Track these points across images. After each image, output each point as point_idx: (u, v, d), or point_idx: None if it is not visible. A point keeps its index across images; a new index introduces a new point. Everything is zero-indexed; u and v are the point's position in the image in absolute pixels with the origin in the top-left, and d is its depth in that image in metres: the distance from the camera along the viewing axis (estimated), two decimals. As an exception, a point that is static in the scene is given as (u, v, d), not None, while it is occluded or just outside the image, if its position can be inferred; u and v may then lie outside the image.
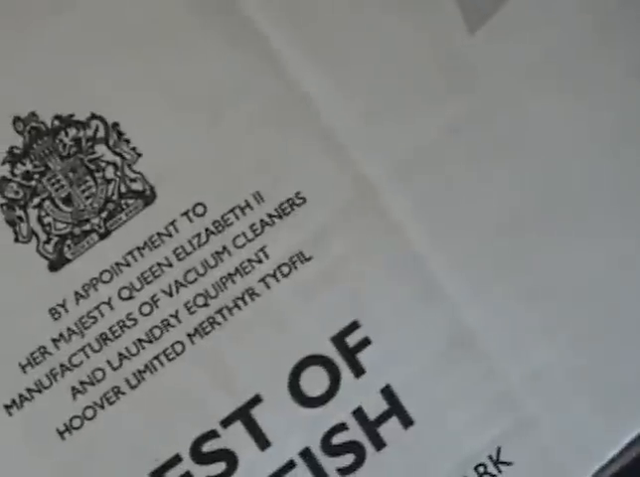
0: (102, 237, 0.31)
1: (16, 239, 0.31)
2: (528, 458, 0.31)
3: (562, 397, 0.31)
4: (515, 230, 0.31)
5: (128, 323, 0.30)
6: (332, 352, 0.31)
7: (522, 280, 0.31)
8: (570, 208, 0.32)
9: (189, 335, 0.30)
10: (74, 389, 0.30)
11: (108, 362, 0.30)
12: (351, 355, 0.31)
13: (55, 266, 0.31)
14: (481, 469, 0.31)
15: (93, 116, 0.31)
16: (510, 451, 0.31)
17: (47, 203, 0.31)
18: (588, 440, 0.31)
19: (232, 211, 0.31)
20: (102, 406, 0.30)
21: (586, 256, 0.31)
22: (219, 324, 0.31)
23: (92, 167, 0.31)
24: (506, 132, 0.32)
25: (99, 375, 0.30)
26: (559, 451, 0.31)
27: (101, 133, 0.31)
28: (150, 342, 0.30)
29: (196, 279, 0.31)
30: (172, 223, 0.31)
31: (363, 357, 0.31)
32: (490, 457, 0.31)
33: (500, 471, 0.31)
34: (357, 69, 0.31)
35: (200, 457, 0.30)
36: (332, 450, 0.31)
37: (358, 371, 0.31)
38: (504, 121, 0.32)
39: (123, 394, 0.30)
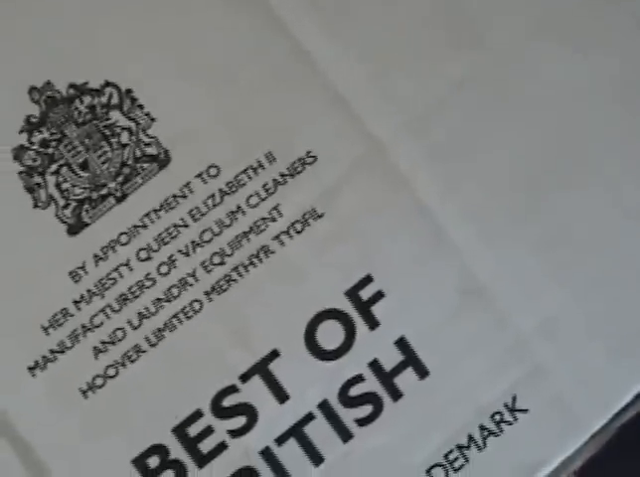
0: (119, 200, 0.31)
1: (35, 205, 0.31)
2: (543, 405, 0.31)
3: (576, 345, 0.31)
4: (524, 181, 0.32)
5: (147, 283, 0.31)
6: (346, 306, 0.31)
7: (532, 229, 0.31)
8: (581, 159, 0.32)
9: (206, 293, 0.31)
10: (95, 348, 0.31)
11: (129, 321, 0.31)
12: (365, 308, 0.31)
13: (73, 230, 0.31)
14: (497, 417, 0.31)
15: (107, 84, 0.32)
16: (525, 399, 0.31)
17: (64, 169, 0.31)
18: (603, 387, 0.31)
19: (244, 171, 0.32)
20: (124, 365, 0.31)
21: (598, 205, 0.32)
22: (235, 281, 0.31)
23: (108, 133, 0.32)
24: (515, 86, 0.32)
25: (120, 334, 0.31)
26: (573, 398, 0.31)
27: (115, 100, 0.32)
28: (169, 301, 0.31)
29: (212, 239, 0.31)
30: (187, 184, 0.31)
31: (377, 310, 0.31)
32: (506, 405, 0.31)
33: (516, 419, 0.31)
34: (364, 27, 0.32)
35: (221, 412, 0.31)
36: (350, 402, 0.31)
37: (372, 323, 0.31)
38: (512, 75, 0.32)
39: (144, 352, 0.31)
